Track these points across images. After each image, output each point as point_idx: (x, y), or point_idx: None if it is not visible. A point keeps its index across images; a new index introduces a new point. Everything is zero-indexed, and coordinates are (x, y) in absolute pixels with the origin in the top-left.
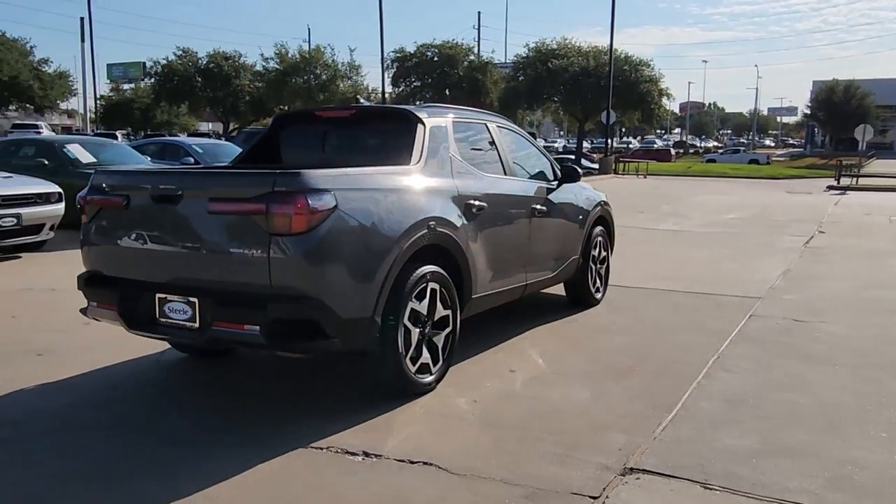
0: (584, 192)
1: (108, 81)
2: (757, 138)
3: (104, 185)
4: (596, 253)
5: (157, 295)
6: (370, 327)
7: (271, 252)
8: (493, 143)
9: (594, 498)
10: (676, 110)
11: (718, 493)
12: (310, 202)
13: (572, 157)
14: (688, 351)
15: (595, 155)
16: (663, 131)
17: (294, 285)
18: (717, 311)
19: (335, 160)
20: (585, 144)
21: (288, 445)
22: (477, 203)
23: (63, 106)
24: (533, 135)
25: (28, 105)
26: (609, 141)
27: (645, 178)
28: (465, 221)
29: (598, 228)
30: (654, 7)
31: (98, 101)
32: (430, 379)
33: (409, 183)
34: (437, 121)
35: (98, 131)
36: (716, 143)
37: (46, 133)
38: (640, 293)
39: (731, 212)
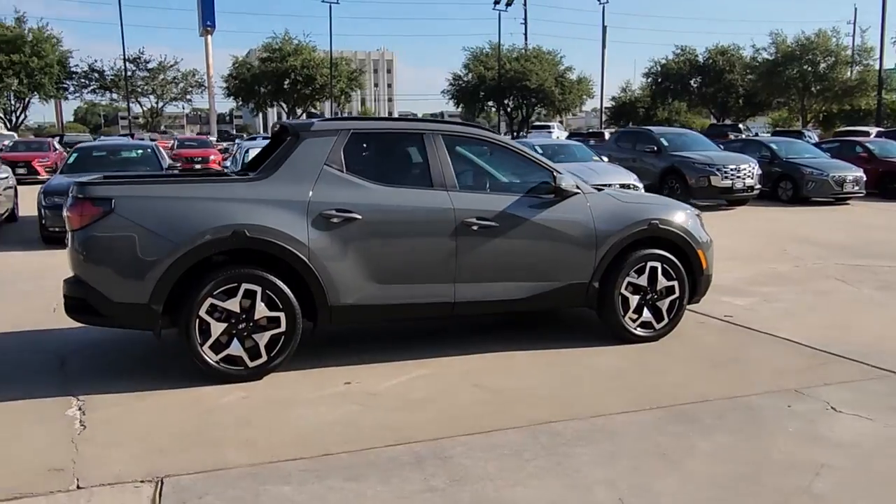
0: (607, 208)
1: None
2: None
3: None
4: (641, 282)
5: None
6: (147, 312)
7: (69, 243)
8: (422, 155)
9: None
10: None
11: None
12: (83, 206)
13: None
14: (566, 407)
15: None
16: None
17: (76, 271)
18: (776, 378)
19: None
20: None
21: (70, 392)
22: (341, 214)
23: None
24: None
25: (548, 108)
26: None
27: None
28: (317, 231)
29: (646, 252)
30: None
31: (611, 102)
32: (243, 371)
33: (228, 193)
34: (318, 135)
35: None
36: None
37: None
38: (742, 336)
39: None
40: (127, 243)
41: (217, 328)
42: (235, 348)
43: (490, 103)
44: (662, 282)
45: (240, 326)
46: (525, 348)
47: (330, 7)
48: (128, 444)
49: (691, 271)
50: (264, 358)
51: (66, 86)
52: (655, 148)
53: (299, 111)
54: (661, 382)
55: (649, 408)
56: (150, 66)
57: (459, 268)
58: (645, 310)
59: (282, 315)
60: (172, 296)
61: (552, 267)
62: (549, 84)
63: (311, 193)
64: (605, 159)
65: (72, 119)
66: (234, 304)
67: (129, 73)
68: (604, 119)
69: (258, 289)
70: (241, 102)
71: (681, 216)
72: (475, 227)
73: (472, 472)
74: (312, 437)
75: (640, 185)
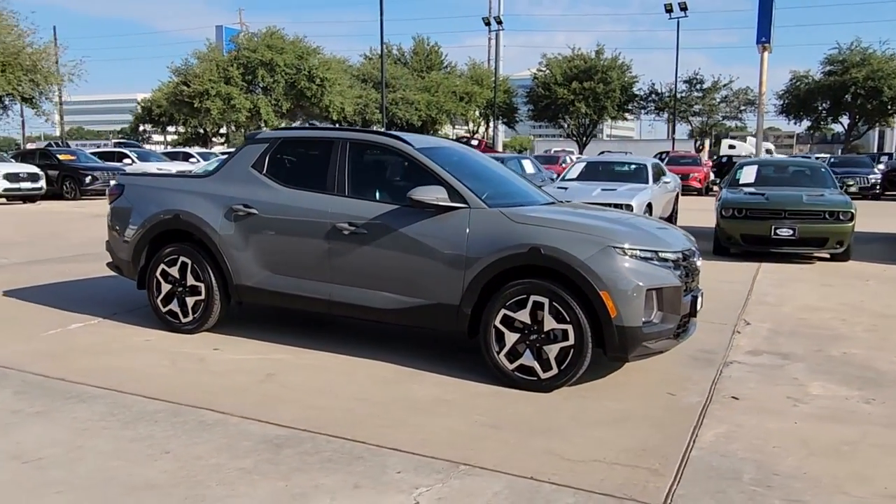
0: (488, 227)
1: None
2: None
3: None
4: (521, 317)
5: None
6: (132, 269)
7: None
8: (326, 161)
9: None
10: None
11: None
12: (113, 189)
13: None
14: (228, 406)
15: None
16: None
17: (108, 236)
18: (534, 462)
19: None
20: None
21: (106, 317)
22: (244, 208)
23: None
24: None
25: None
26: None
27: None
28: (226, 221)
29: (527, 283)
30: None
31: None
32: (178, 324)
33: (187, 186)
34: (257, 142)
35: None
36: None
37: None
38: (666, 420)
39: None
40: (125, 217)
41: (164, 287)
42: (174, 305)
43: None
44: (550, 322)
45: (179, 289)
46: (398, 363)
47: None
48: (39, 344)
49: (596, 317)
50: (191, 317)
51: (629, 108)
52: None
53: (864, 129)
54: (393, 419)
55: (280, 423)
56: (704, 86)
57: (333, 269)
58: (527, 352)
59: (202, 285)
60: (149, 258)
61: (416, 282)
62: None
63: (231, 190)
64: None
65: (686, 136)
66: (175, 271)
67: (683, 94)
68: None
69: (189, 262)
70: (791, 120)
71: (585, 246)
72: (346, 233)
73: (93, 425)
74: (93, 370)
75: None
